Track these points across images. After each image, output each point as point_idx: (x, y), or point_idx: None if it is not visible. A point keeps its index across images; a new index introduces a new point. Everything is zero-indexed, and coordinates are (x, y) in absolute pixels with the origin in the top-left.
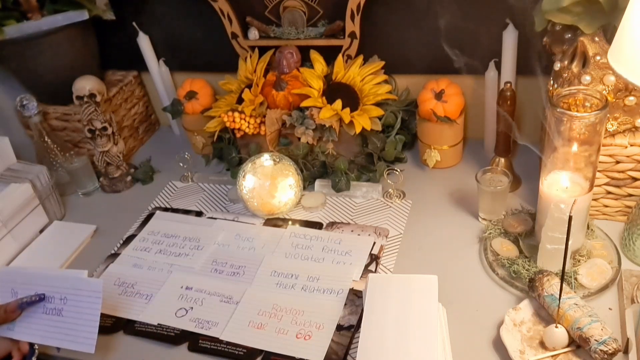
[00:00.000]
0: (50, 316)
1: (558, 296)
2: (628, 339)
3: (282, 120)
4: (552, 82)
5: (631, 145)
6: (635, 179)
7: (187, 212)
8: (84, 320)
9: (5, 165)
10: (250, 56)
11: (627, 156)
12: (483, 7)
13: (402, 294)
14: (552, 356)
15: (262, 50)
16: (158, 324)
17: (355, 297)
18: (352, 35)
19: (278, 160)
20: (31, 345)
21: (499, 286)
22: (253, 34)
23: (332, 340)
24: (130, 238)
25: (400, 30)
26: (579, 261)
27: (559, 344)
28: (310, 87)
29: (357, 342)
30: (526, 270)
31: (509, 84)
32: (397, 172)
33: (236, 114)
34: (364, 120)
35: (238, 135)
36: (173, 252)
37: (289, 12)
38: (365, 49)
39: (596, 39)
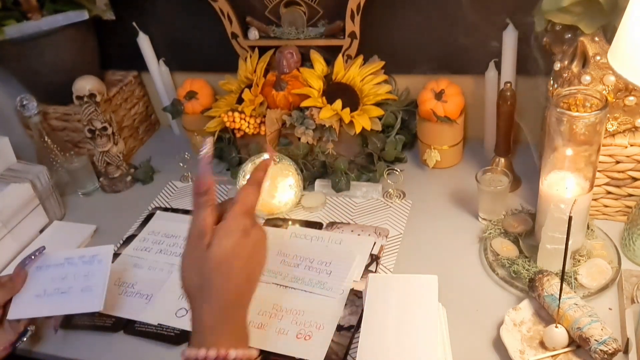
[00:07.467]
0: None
1: (558, 296)
2: (628, 339)
3: (282, 120)
4: (552, 82)
5: (631, 145)
6: (635, 179)
7: (187, 212)
8: (93, 283)
9: (5, 165)
10: (250, 56)
11: (627, 156)
12: (483, 7)
13: (402, 294)
14: (552, 356)
15: (262, 50)
16: (158, 324)
17: (355, 297)
18: (352, 35)
19: (278, 160)
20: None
21: (499, 286)
22: (253, 34)
23: (332, 340)
24: (131, 238)
25: (400, 30)
26: (579, 261)
27: (559, 344)
28: (310, 87)
29: (357, 342)
30: (526, 270)
31: (509, 84)
32: (397, 172)
33: (236, 114)
34: (364, 120)
35: (238, 135)
36: (173, 252)
37: (289, 12)
38: (365, 49)
39: (596, 39)
